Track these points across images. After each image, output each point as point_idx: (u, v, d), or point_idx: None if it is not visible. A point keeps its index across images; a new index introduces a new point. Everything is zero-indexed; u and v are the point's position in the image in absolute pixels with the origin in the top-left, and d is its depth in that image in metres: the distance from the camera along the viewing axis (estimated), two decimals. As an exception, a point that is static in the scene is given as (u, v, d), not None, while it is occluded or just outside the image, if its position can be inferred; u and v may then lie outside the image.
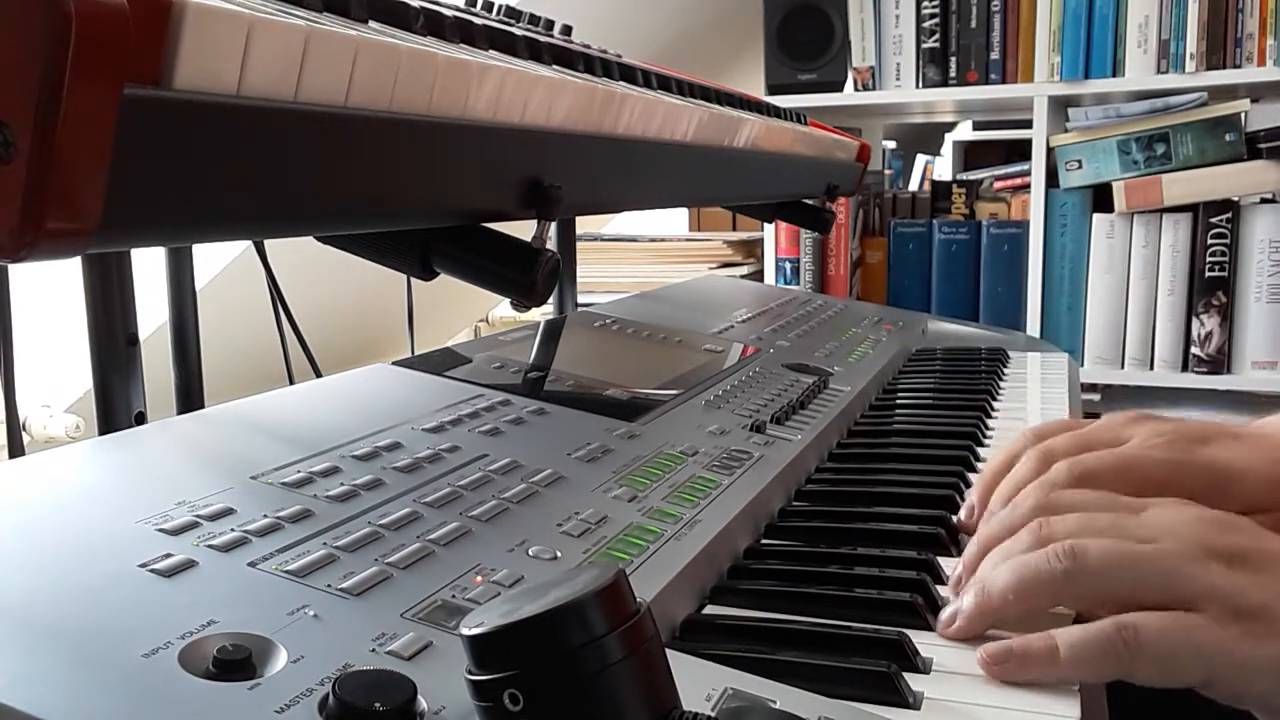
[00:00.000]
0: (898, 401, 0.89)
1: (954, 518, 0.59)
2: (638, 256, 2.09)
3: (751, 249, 2.11)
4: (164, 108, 0.30)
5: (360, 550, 0.40)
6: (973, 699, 0.41)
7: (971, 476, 0.68)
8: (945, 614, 0.46)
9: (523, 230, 0.51)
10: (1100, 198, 1.83)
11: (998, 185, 2.27)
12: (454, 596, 0.38)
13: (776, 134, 0.93)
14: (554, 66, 0.58)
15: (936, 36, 1.90)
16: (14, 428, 0.71)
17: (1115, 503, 0.49)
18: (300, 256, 1.07)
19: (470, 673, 0.29)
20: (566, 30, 0.80)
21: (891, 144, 3.21)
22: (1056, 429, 0.60)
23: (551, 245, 0.72)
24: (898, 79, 1.94)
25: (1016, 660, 0.41)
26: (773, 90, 1.95)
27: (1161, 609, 0.42)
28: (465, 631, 0.29)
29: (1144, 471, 0.53)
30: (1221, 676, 0.41)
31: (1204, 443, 0.55)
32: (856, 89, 1.97)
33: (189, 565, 0.36)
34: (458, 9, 0.59)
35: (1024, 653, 0.41)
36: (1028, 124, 1.84)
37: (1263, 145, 1.76)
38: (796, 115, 1.11)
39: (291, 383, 0.89)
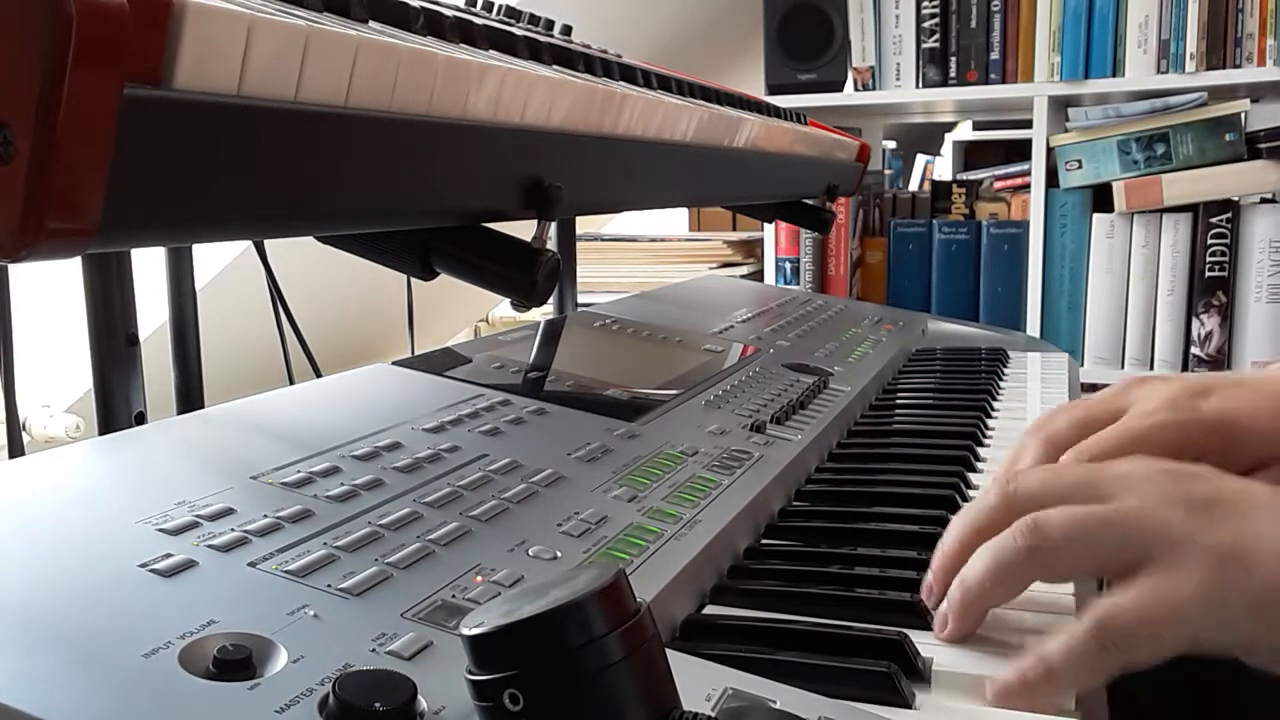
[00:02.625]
0: (898, 401, 0.89)
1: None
2: (638, 256, 2.09)
3: (751, 249, 2.11)
4: (164, 107, 0.30)
5: (360, 550, 0.40)
6: (973, 698, 0.41)
7: (972, 476, 0.68)
8: (938, 616, 0.46)
9: (523, 230, 0.51)
10: (1100, 198, 1.83)
11: (998, 185, 2.27)
12: (454, 596, 0.38)
13: (776, 134, 0.93)
14: (554, 66, 0.58)
15: (936, 36, 1.90)
16: (14, 428, 0.71)
17: (1077, 469, 0.49)
18: (300, 256, 1.07)
19: (470, 673, 0.29)
20: (566, 30, 0.80)
21: (891, 144, 3.21)
22: (1055, 416, 0.58)
23: (551, 245, 0.72)
24: (898, 79, 1.94)
25: (1019, 691, 0.40)
26: (773, 90, 1.95)
27: (1130, 566, 0.42)
28: (465, 631, 0.29)
29: (1150, 440, 0.52)
30: (1204, 631, 0.40)
31: (1206, 395, 0.53)
32: (856, 89, 1.97)
33: (189, 565, 0.36)
34: (458, 9, 0.59)
35: (1021, 681, 0.40)
36: (1028, 124, 1.85)
37: (1263, 145, 1.76)
38: (796, 115, 1.11)
39: (291, 383, 0.89)
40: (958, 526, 0.48)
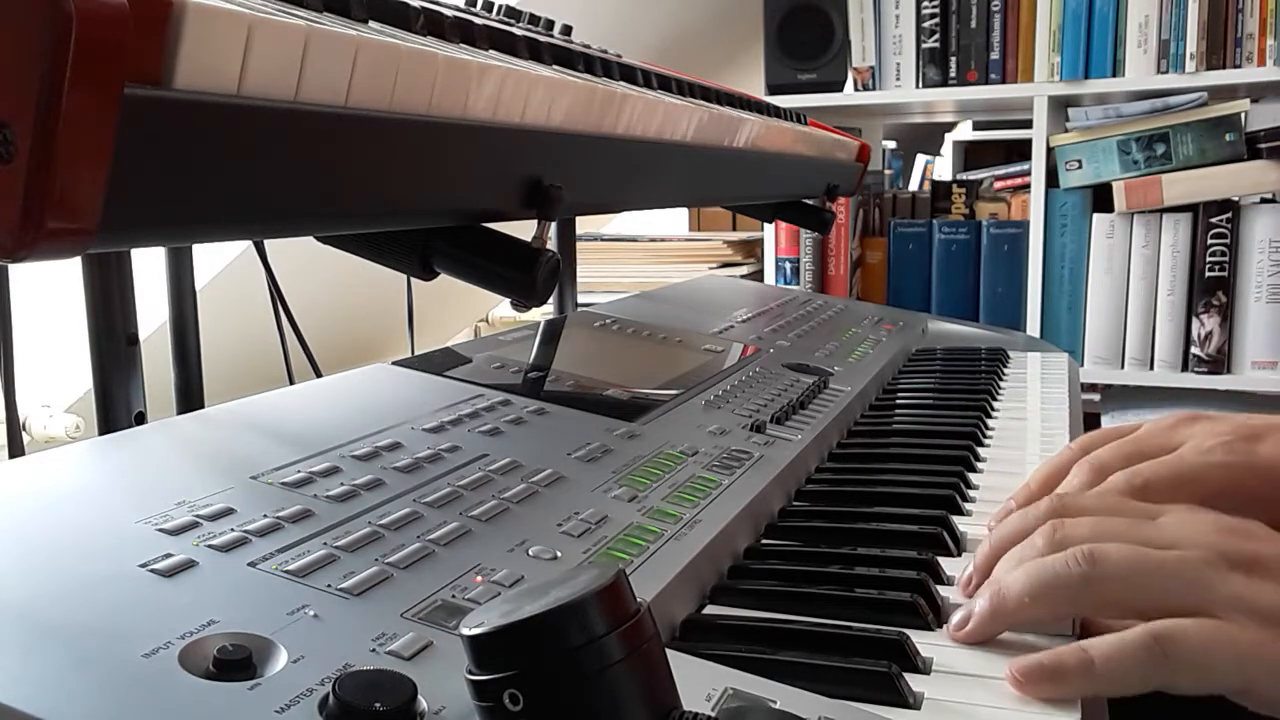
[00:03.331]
0: (898, 401, 0.89)
1: (989, 523, 0.58)
2: (638, 256, 2.09)
3: (751, 249, 2.11)
4: (164, 108, 0.30)
5: (360, 550, 0.40)
6: (973, 699, 0.40)
7: (972, 476, 0.68)
8: (957, 616, 0.45)
9: (523, 230, 0.51)
10: (1100, 198, 1.83)
11: (998, 185, 2.27)
12: (454, 596, 0.38)
13: (776, 134, 0.93)
14: (554, 66, 0.58)
15: (936, 36, 1.89)
16: (14, 428, 0.71)
17: (1130, 508, 0.48)
18: (300, 256, 1.07)
19: (470, 673, 0.29)
20: (566, 30, 0.80)
21: (891, 144, 3.21)
22: (1102, 440, 0.58)
23: (551, 245, 0.72)
24: (898, 79, 1.94)
25: (1049, 675, 0.40)
26: (773, 90, 1.95)
27: (1177, 615, 0.41)
28: (465, 631, 0.29)
29: (1203, 479, 0.52)
30: (1257, 682, 0.40)
31: (1260, 440, 0.53)
32: (856, 89, 1.97)
33: (189, 565, 0.36)
34: (458, 9, 0.59)
35: (1056, 667, 0.40)
36: (1028, 124, 1.84)
37: (1263, 145, 1.76)
38: (796, 115, 1.11)
39: (291, 383, 0.89)
40: (999, 540, 0.48)
